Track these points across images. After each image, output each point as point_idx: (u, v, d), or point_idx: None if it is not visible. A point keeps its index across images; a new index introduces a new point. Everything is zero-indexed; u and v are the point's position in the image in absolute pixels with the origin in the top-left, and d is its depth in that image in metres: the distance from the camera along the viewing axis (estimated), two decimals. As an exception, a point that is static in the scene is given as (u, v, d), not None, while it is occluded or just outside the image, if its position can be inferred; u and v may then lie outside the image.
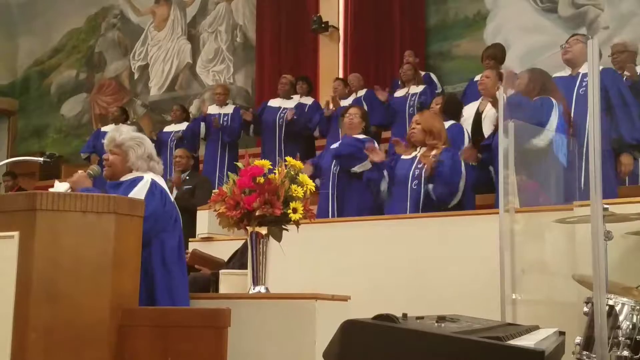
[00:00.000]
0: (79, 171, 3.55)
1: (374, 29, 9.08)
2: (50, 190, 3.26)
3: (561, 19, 8.11)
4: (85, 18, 12.19)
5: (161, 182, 3.40)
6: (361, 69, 8.69)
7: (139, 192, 3.22)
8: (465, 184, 4.88)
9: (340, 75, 8.86)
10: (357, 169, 5.65)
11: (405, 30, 8.91)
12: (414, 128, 5.03)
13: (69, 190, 3.34)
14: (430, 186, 4.80)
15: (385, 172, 5.10)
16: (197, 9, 11.12)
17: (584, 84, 4.78)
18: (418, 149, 5.01)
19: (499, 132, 4.08)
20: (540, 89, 4.67)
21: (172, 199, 3.47)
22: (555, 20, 8.13)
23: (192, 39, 11.10)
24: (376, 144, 5.75)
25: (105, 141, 3.53)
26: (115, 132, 3.51)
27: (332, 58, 9.26)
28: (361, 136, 5.85)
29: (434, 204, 4.81)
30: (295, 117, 7.75)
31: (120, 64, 11.80)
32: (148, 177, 3.32)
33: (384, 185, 5.14)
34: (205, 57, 10.94)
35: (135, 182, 3.27)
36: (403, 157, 5.08)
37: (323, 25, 9.12)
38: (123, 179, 3.36)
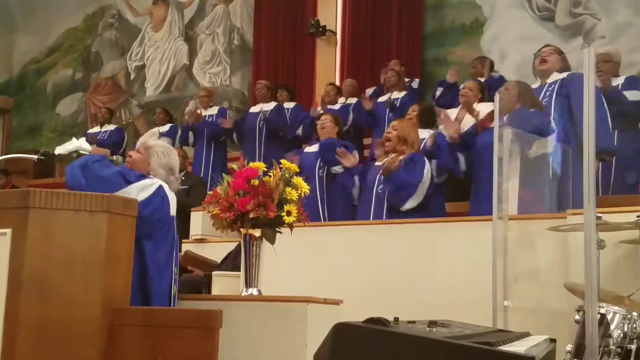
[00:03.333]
0: (107, 150, 3.56)
1: (371, 34, 9.10)
2: (75, 140, 3.27)
3: (558, 28, 8.14)
4: (83, 17, 12.17)
5: (170, 193, 3.34)
6: (358, 74, 8.71)
7: (146, 187, 3.17)
8: (429, 190, 4.90)
9: (337, 79, 8.89)
10: (337, 169, 5.73)
11: (402, 36, 8.92)
12: (389, 132, 5.10)
13: (86, 152, 3.34)
14: (381, 186, 4.86)
15: (356, 178, 5.18)
16: (194, 11, 11.12)
17: (547, 93, 4.83)
18: (389, 155, 5.07)
19: (493, 139, 4.09)
20: (529, 103, 4.70)
21: (174, 211, 3.40)
22: (552, 30, 8.15)
23: (189, 41, 11.09)
24: (355, 152, 5.80)
25: (138, 142, 3.54)
26: (150, 137, 3.52)
27: (328, 62, 9.27)
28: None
29: (391, 208, 4.86)
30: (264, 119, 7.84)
31: (116, 64, 11.79)
32: (158, 181, 3.29)
33: (355, 191, 5.22)
34: (202, 58, 10.94)
35: (145, 176, 3.24)
36: (376, 163, 5.15)
37: (320, 29, 9.14)
38: None
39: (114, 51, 11.86)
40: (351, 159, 5.29)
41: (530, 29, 8.27)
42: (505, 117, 4.44)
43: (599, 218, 3.06)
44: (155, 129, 8.86)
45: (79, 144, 3.40)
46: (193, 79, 10.96)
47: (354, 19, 9.20)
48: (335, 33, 9.26)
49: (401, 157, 4.95)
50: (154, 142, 3.48)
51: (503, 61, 8.07)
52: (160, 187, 3.26)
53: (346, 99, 7.91)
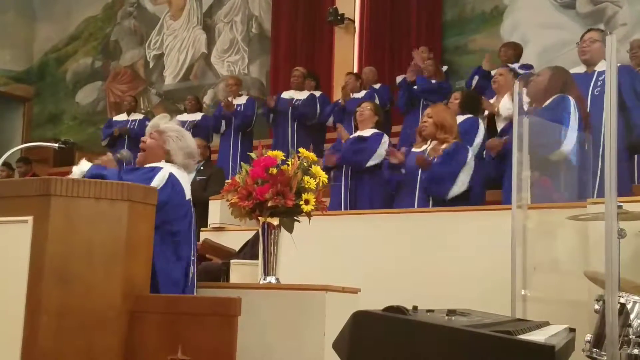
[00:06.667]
0: (108, 153, 3.55)
1: (390, 22, 9.05)
2: (74, 168, 3.26)
3: (579, 16, 8.05)
4: (102, 6, 12.23)
5: (181, 176, 3.33)
6: (376, 62, 8.67)
7: (156, 183, 3.17)
8: (474, 179, 4.86)
9: (355, 67, 8.86)
10: (371, 162, 5.66)
11: (422, 24, 8.88)
12: (425, 121, 5.03)
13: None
14: (423, 176, 4.82)
15: (403, 170, 5.07)
16: (213, -1, 11.14)
17: (599, 83, 4.73)
18: (429, 142, 5.00)
19: (513, 128, 4.05)
20: (561, 87, 4.61)
21: (190, 195, 3.40)
22: (574, 17, 8.07)
23: (208, 29, 11.11)
24: (386, 139, 5.75)
25: (148, 125, 3.52)
26: (161, 119, 3.49)
27: (347, 50, 9.24)
28: (370, 132, 5.83)
29: (434, 197, 4.82)
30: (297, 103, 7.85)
31: (135, 53, 11.83)
32: (168, 169, 3.27)
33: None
34: (221, 47, 10.95)
35: (154, 171, 3.22)
36: (414, 149, 5.07)
37: (339, 18, 9.10)
38: (146, 166, 3.33)
39: (133, 40, 11.90)
40: (399, 156, 5.06)
41: (551, 17, 8.18)
42: (534, 106, 4.40)
43: (619, 207, 3.04)
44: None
45: (80, 167, 3.32)
46: (211, 67, 10.98)
47: (373, 7, 9.15)
48: (353, 21, 9.22)
49: (444, 146, 4.88)
50: (166, 125, 3.44)
51: (523, 49, 7.99)
52: (170, 174, 3.25)
53: (367, 87, 7.87)
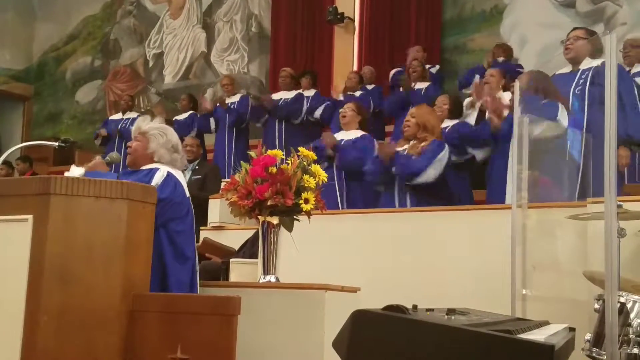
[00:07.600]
0: (97, 157, 3.57)
1: (389, 21, 9.04)
2: (66, 174, 3.27)
3: (579, 15, 8.05)
4: (101, 5, 12.22)
5: (178, 175, 3.38)
6: (376, 61, 8.68)
7: (155, 183, 3.21)
8: (446, 170, 4.89)
9: (355, 66, 8.86)
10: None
11: (421, 23, 8.87)
12: (408, 121, 5.06)
13: (84, 175, 3.34)
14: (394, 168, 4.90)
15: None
16: (212, -2, 11.13)
17: (580, 82, 4.71)
18: (410, 142, 5.03)
19: (513, 127, 4.05)
20: (543, 93, 4.61)
21: (188, 192, 3.45)
22: (573, 16, 8.06)
23: (207, 28, 11.10)
24: (376, 143, 5.72)
25: (132, 129, 3.55)
26: (142, 122, 3.52)
27: (346, 49, 9.23)
28: (359, 133, 5.79)
29: (417, 197, 4.85)
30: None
31: (135, 52, 11.82)
32: (165, 169, 3.32)
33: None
34: (220, 46, 10.94)
35: (152, 172, 3.27)
36: (397, 148, 5.10)
37: (338, 17, 9.09)
38: (142, 168, 3.38)
39: (132, 39, 11.89)
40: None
41: (551, 16, 8.18)
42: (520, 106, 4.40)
43: (619, 206, 3.04)
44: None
45: (72, 171, 3.33)
46: (211, 66, 10.97)
47: (373, 6, 9.14)
48: (353, 20, 9.22)
49: (422, 144, 4.89)
50: (148, 125, 3.48)
51: (523, 48, 8.00)
52: (168, 173, 3.30)
53: (364, 86, 7.88)
